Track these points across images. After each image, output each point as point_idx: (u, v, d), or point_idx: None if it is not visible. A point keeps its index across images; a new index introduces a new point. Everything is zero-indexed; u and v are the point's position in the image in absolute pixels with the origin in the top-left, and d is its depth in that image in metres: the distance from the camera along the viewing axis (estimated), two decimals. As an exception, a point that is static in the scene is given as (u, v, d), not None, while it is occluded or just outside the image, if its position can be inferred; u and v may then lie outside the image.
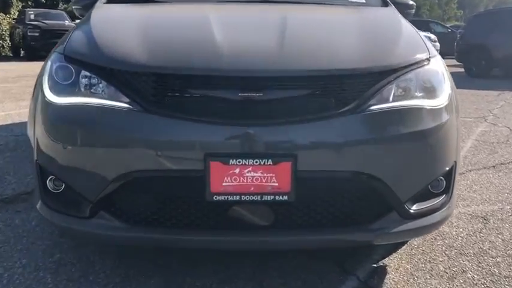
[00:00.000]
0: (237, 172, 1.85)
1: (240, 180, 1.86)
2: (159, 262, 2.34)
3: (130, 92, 1.92)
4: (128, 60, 1.96)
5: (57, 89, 2.04)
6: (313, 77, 1.93)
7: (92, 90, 1.99)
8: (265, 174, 1.86)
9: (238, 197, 1.88)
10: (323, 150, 1.90)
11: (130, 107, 1.90)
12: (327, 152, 1.90)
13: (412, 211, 2.05)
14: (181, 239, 1.96)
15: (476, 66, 12.51)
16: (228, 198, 1.87)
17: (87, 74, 2.01)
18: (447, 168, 2.12)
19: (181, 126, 1.86)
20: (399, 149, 1.98)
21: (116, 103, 1.92)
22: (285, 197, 1.88)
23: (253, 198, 1.88)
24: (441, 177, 2.12)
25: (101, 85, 1.98)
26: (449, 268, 2.38)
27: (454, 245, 2.64)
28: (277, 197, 1.88)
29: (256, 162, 1.84)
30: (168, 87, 1.92)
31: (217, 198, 1.87)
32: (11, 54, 18.70)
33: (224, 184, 1.86)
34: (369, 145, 1.93)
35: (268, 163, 1.85)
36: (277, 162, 1.85)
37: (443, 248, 2.60)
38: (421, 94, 2.07)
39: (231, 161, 1.84)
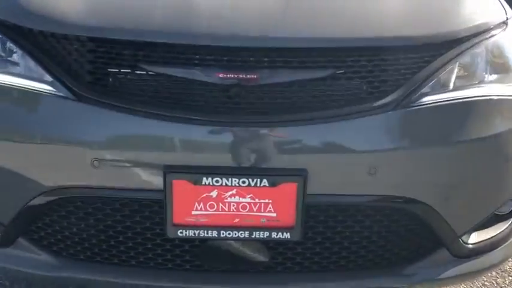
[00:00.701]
0: (213, 196, 1.22)
1: (218, 208, 1.22)
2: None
3: (56, 67, 1.26)
4: (54, 18, 1.27)
5: None
6: (334, 51, 1.24)
7: (2, 61, 1.33)
8: (257, 201, 1.22)
9: (215, 233, 1.25)
10: (347, 165, 1.25)
11: (55, 90, 1.24)
12: (352, 167, 1.25)
13: (469, 246, 1.43)
14: (136, 284, 1.36)
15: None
16: (199, 233, 1.25)
17: None
18: (523, 184, 1.47)
19: (130, 122, 1.21)
20: (460, 162, 1.33)
21: (35, 84, 1.26)
22: (287, 234, 1.25)
23: (239, 234, 1.25)
24: None
25: (15, 55, 1.31)
26: (507, 310, 1.78)
27: (507, 267, 2.03)
28: (275, 234, 1.25)
29: (244, 182, 1.20)
30: (111, 61, 1.24)
31: (184, 233, 1.25)
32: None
33: (194, 213, 1.23)
34: (416, 156, 1.28)
35: (263, 184, 1.20)
36: (276, 182, 1.21)
37: (494, 273, 1.99)
38: (493, 77, 1.39)
39: (204, 179, 1.20)
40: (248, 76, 1.21)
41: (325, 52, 1.23)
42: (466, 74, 1.36)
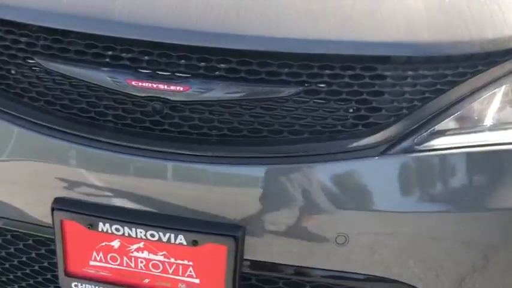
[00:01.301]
0: (115, 247, 0.89)
1: (122, 262, 0.90)
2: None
3: None
4: None
5: None
6: (300, 58, 0.82)
7: None
8: (172, 261, 0.88)
9: (119, 292, 0.94)
10: (304, 227, 0.86)
11: None
12: (312, 231, 0.86)
13: None
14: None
15: None
16: (99, 290, 0.94)
17: None
18: None
19: (17, 135, 0.91)
20: (488, 236, 0.90)
21: None
22: (213, 308, 0.91)
23: (149, 298, 0.93)
24: None
25: None
26: None
27: None
28: (196, 305, 0.92)
29: (153, 236, 0.86)
30: (5, 51, 0.92)
31: (79, 287, 0.95)
32: None
33: (93, 264, 0.92)
34: (414, 225, 0.87)
35: (178, 241, 0.86)
36: (197, 241, 0.86)
37: None
38: None
39: (100, 224, 0.87)
40: (173, 87, 0.84)
41: (287, 59, 0.83)
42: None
